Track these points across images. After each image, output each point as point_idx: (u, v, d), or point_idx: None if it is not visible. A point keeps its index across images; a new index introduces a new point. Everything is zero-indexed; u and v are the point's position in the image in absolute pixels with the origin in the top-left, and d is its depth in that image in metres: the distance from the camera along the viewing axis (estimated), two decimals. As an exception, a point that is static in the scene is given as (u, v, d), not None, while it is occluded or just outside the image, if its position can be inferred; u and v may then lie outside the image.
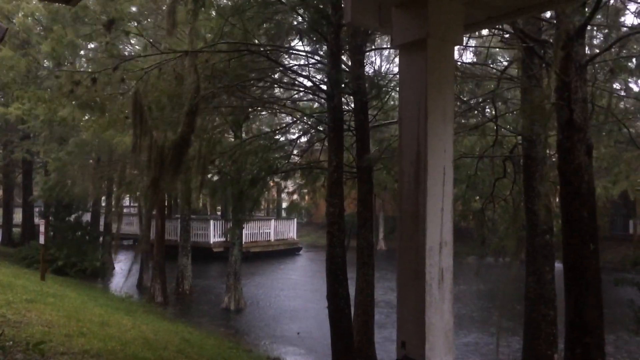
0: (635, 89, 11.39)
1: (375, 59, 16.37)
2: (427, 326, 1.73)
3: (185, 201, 15.50)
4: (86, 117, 12.01)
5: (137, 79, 7.99)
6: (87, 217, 23.26)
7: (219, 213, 28.02)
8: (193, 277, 18.39)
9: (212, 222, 25.26)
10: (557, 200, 8.31)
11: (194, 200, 15.31)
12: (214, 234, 25.07)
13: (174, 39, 8.98)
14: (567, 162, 5.75)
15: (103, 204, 22.70)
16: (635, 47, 9.30)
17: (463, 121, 10.21)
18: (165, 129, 8.52)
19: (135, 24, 12.80)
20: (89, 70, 8.81)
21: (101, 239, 22.52)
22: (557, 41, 5.29)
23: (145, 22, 14.92)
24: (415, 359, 1.74)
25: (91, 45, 14.39)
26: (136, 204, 23.88)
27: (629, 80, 10.71)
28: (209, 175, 11.56)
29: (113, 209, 20.55)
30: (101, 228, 22.96)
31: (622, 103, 10.79)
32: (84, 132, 13.97)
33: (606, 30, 9.01)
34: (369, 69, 15.30)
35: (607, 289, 6.49)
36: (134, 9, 13.44)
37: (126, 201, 26.34)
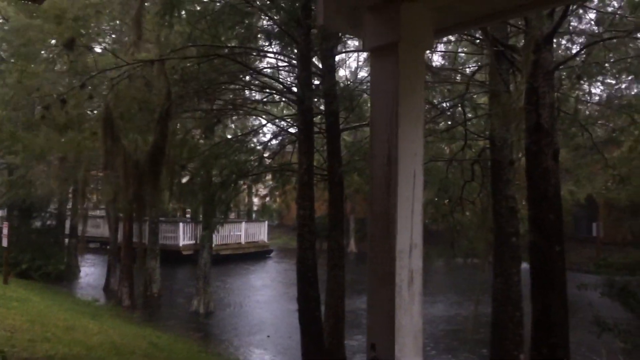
0: (598, 96, 11.70)
1: (347, 62, 16.46)
2: (396, 328, 1.74)
3: (154, 204, 15.29)
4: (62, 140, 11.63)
5: (107, 92, 7.84)
6: (52, 219, 22.73)
7: (188, 216, 27.69)
8: (162, 280, 18.14)
9: (181, 224, 24.96)
10: (524, 203, 8.47)
11: (163, 203, 15.11)
12: (183, 237, 24.76)
13: (142, 46, 8.85)
14: (534, 165, 5.87)
15: (69, 206, 22.20)
16: (600, 54, 9.55)
17: (433, 125, 10.33)
18: (137, 138, 8.38)
19: (100, 38, 12.53)
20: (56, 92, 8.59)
21: (67, 241, 22.02)
22: (528, 47, 5.40)
23: (111, 32, 14.55)
24: (386, 361, 1.74)
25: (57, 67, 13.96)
26: (103, 206, 23.43)
27: (593, 86, 11.02)
28: (181, 179, 11.43)
29: (79, 211, 20.16)
30: (67, 231, 22.44)
31: (586, 109, 11.07)
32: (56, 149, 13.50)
33: (577, 38, 9.23)
34: (341, 72, 15.38)
35: (571, 290, 6.64)
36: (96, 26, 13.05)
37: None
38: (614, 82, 10.78)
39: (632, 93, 11.01)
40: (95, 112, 8.87)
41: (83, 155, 14.68)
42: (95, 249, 27.73)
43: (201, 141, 12.03)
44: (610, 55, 9.11)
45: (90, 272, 21.94)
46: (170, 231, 25.03)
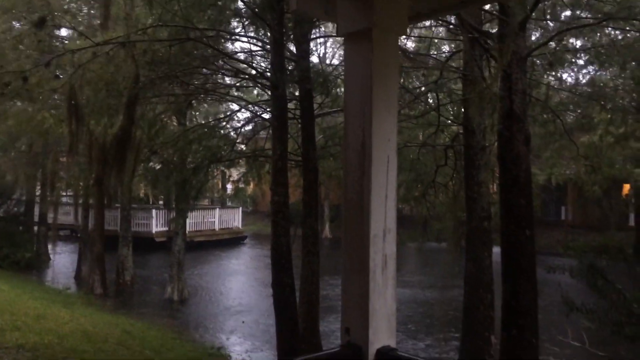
0: (568, 83, 11.90)
1: (320, 48, 16.39)
2: (370, 312, 1.76)
3: (125, 190, 15.08)
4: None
5: (72, 72, 7.62)
6: (20, 206, 22.26)
7: (161, 202, 27.41)
8: (134, 268, 17.95)
9: (154, 211, 24.71)
10: (496, 187, 8.61)
11: (134, 189, 14.92)
12: (156, 224, 24.53)
13: (111, 27, 8.63)
14: (506, 151, 5.95)
15: (38, 193, 21.74)
16: (571, 41, 9.70)
17: (407, 111, 10.38)
18: (104, 120, 8.20)
19: (68, 17, 12.17)
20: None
21: (36, 229, 21.60)
22: (507, 34, 5.44)
23: (78, 12, 14.17)
24: (359, 345, 1.76)
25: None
26: (72, 193, 23.00)
27: (565, 73, 11.19)
28: (151, 164, 11.28)
29: (48, 198, 19.78)
30: (36, 218, 22.00)
31: (558, 96, 11.25)
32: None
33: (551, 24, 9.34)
34: (315, 58, 15.30)
35: (541, 273, 6.79)
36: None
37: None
38: (584, 70, 10.97)
39: (602, 81, 11.22)
40: (57, 93, 8.63)
41: (51, 140, 14.38)
42: (65, 237, 27.29)
43: (172, 127, 11.88)
44: (585, 40, 9.25)
45: (61, 260, 21.60)
46: (143, 218, 24.78)
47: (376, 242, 1.79)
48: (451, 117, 10.84)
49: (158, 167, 11.66)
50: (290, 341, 8.72)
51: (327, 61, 15.42)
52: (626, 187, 23.27)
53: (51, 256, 21.53)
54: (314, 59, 15.39)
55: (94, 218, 16.98)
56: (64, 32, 14.07)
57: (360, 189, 1.79)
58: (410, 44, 11.81)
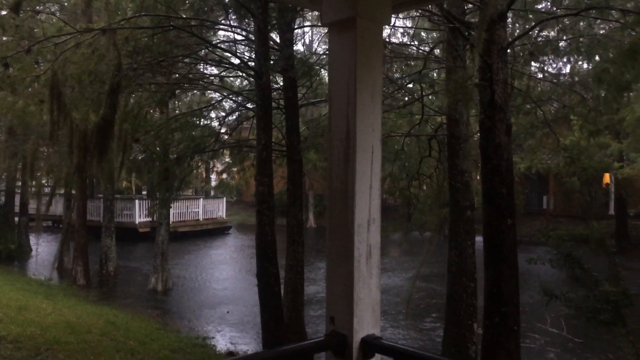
0: (548, 73, 11.97)
1: (305, 37, 16.31)
2: (355, 301, 1.77)
3: (108, 180, 14.94)
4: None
5: (54, 60, 7.50)
6: (0, 197, 21.95)
7: (144, 193, 27.22)
8: (118, 259, 17.85)
9: (137, 201, 24.53)
10: (479, 177, 8.68)
11: (116, 179, 14.77)
12: (140, 214, 24.37)
13: (93, 15, 8.49)
14: (488, 140, 5.99)
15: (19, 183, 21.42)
16: (551, 32, 9.76)
17: (391, 101, 10.40)
18: (87, 108, 8.09)
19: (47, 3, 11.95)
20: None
21: (17, 220, 21.33)
22: (481, 23, 5.46)
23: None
24: (344, 333, 1.77)
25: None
26: (53, 184, 22.71)
27: (546, 64, 11.26)
28: (134, 154, 11.18)
29: (31, 189, 19.51)
30: (17, 209, 21.70)
31: (539, 86, 11.32)
32: None
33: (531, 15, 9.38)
34: (300, 47, 15.23)
35: (523, 262, 6.90)
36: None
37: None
38: (564, 61, 11.05)
39: (582, 72, 11.33)
40: (38, 80, 8.47)
41: (31, 128, 14.16)
42: (47, 227, 26.99)
43: (155, 116, 11.77)
44: (565, 31, 9.31)
45: (43, 251, 21.37)
46: (126, 208, 24.61)
47: (360, 232, 1.80)
48: (435, 108, 10.89)
49: (141, 157, 11.56)
50: (275, 330, 8.75)
51: (312, 50, 15.35)
52: (606, 177, 23.63)
53: (33, 247, 21.29)
54: (299, 47, 15.35)
55: (77, 208, 16.82)
56: (45, 18, 13.81)
57: (345, 178, 1.80)
58: (394, 36, 11.81)
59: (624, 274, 6.95)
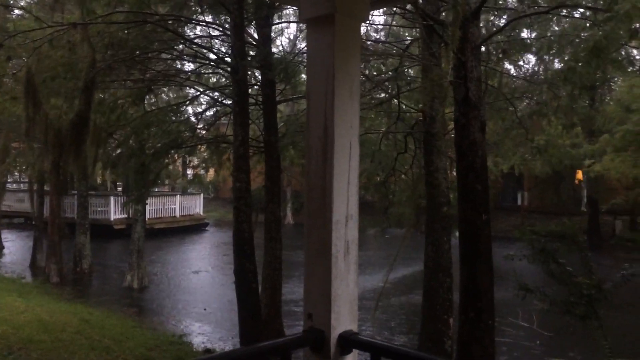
0: (521, 70, 12.15)
1: (283, 33, 16.25)
2: (333, 297, 1.77)
3: (82, 176, 14.71)
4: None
5: (28, 55, 7.34)
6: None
7: (120, 189, 26.85)
8: (93, 256, 17.58)
9: (112, 198, 24.20)
10: (454, 174, 8.76)
11: (90, 175, 14.55)
12: (115, 211, 24.04)
13: (67, 9, 8.33)
14: (463, 138, 6.06)
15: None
16: (524, 31, 9.88)
17: (368, 98, 10.43)
18: (61, 104, 7.95)
19: None
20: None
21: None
22: (455, 20, 5.51)
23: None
24: (322, 330, 1.78)
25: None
26: (27, 180, 22.27)
27: (518, 61, 11.42)
28: (109, 149, 11.02)
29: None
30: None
31: (512, 83, 11.47)
32: None
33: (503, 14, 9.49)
34: (278, 43, 15.18)
35: (498, 257, 7.00)
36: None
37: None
38: (535, 58, 11.22)
39: (554, 68, 11.51)
40: (12, 77, 8.29)
41: (2, 122, 13.85)
42: (20, 225, 26.47)
43: (131, 112, 11.61)
44: (538, 30, 9.45)
45: (15, 249, 20.96)
46: (101, 205, 24.26)
47: (338, 228, 1.80)
48: (411, 105, 10.95)
49: (116, 152, 11.40)
50: (253, 327, 8.73)
51: (294, 46, 15.30)
52: (579, 173, 24.08)
53: (4, 245, 20.86)
54: (279, 43, 15.29)
55: (50, 205, 16.53)
56: (18, 13, 13.50)
57: (323, 174, 1.80)
58: (371, 34, 11.84)
59: (596, 268, 7.09)
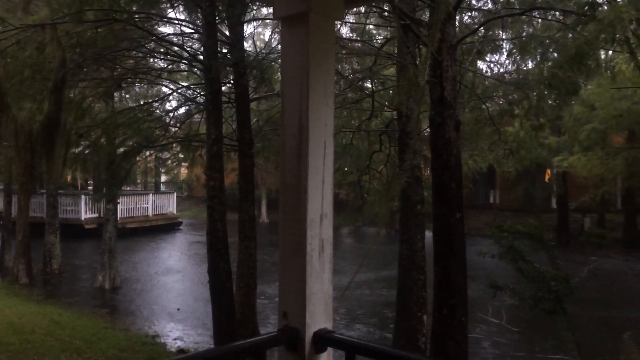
0: (494, 71, 12.32)
1: (256, 30, 16.18)
2: (307, 296, 1.77)
3: (51, 175, 14.41)
4: None
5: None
6: None
7: (90, 188, 26.39)
8: (63, 256, 17.24)
9: (83, 197, 23.78)
10: (429, 172, 8.84)
11: (61, 175, 14.26)
12: (86, 210, 23.64)
13: (32, 8, 8.14)
14: (438, 136, 6.12)
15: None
16: (498, 31, 10.02)
17: (343, 97, 10.46)
18: (31, 106, 7.76)
19: None
20: None
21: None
22: (434, 20, 5.56)
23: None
24: (297, 328, 1.78)
25: None
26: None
27: (492, 62, 11.58)
28: (80, 148, 10.82)
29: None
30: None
31: (486, 83, 11.63)
32: None
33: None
34: (254, 41, 15.09)
35: (472, 255, 7.11)
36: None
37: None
38: (510, 59, 11.38)
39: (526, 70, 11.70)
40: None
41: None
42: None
43: (102, 111, 11.43)
44: (510, 31, 9.59)
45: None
46: (71, 204, 23.82)
47: (313, 226, 1.80)
48: (386, 104, 11.02)
49: (86, 151, 11.21)
50: (227, 327, 8.69)
51: (264, 46, 15.24)
52: (549, 172, 24.55)
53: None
54: (250, 42, 15.21)
55: (18, 205, 16.17)
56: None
57: (298, 173, 1.80)
58: (346, 31, 11.86)
59: (564, 265, 7.26)
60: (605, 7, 5.53)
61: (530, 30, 9.93)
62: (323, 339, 1.79)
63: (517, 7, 8.44)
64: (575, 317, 7.29)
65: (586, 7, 5.38)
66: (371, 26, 11.66)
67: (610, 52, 9.00)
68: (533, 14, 8.53)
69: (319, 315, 1.81)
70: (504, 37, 9.92)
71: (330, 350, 1.82)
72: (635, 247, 20.46)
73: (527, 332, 10.94)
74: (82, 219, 23.50)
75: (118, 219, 18.18)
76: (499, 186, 27.32)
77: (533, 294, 6.89)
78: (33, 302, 12.82)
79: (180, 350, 9.92)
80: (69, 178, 24.65)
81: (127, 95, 15.88)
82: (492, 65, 11.80)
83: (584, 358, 7.25)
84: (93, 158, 10.64)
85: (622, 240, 21.31)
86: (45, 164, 7.38)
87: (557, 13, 7.91)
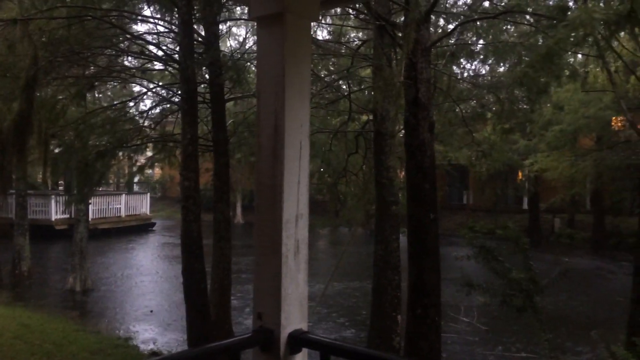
0: (467, 74, 12.49)
1: (232, 31, 16.08)
2: (282, 296, 1.77)
3: (21, 176, 14.11)
4: None
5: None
6: None
7: (61, 188, 25.89)
8: (32, 258, 16.89)
9: (53, 197, 23.32)
10: (403, 173, 8.90)
11: (32, 174, 13.98)
12: (56, 211, 23.19)
13: (3, 5, 7.96)
14: (412, 138, 6.17)
15: None
16: (473, 36, 10.16)
17: (319, 99, 10.48)
18: (0, 105, 7.58)
19: None
20: None
21: None
22: (409, 23, 5.60)
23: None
24: (271, 329, 1.78)
25: None
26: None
27: (465, 64, 11.73)
28: (50, 148, 10.61)
29: None
30: None
31: (459, 85, 11.78)
32: None
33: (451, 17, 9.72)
34: (231, 41, 15.01)
35: (446, 254, 7.18)
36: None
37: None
38: (483, 62, 11.56)
39: (499, 73, 11.89)
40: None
41: None
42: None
43: (73, 110, 11.23)
44: (484, 35, 9.73)
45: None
46: (41, 205, 23.34)
47: (288, 227, 1.80)
48: (362, 105, 11.07)
49: (57, 150, 11.00)
50: (202, 328, 8.61)
51: (240, 46, 15.16)
52: (521, 173, 24.96)
53: None
54: (227, 42, 15.11)
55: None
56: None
57: (273, 174, 1.80)
58: (323, 33, 11.90)
59: (535, 265, 7.40)
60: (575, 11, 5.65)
61: (504, 35, 10.09)
62: (298, 340, 1.79)
63: (491, 13, 8.57)
64: (545, 315, 7.43)
65: (556, 11, 5.50)
66: (348, 28, 11.70)
67: (580, 56, 9.20)
68: (507, 19, 8.66)
69: (294, 316, 1.81)
70: (477, 41, 10.05)
71: (305, 351, 1.82)
72: (603, 247, 20.94)
73: (499, 330, 11.11)
74: (53, 219, 23.06)
75: (90, 219, 17.89)
76: (472, 187, 27.67)
77: (503, 291, 7.02)
78: (1, 305, 12.53)
79: (153, 353, 9.81)
80: (39, 178, 24.15)
81: (101, 95, 15.64)
82: (466, 68, 11.96)
83: (553, 355, 7.39)
84: (64, 159, 10.44)
85: (591, 240, 21.79)
86: (17, 163, 7.21)
87: (530, 17, 8.05)
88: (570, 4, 7.13)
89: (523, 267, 7.14)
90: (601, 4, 6.17)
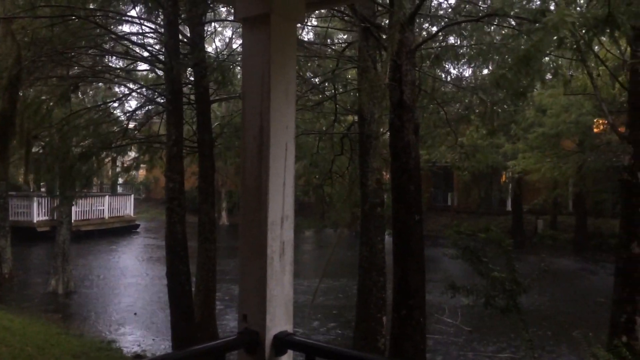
0: (451, 76, 12.56)
1: (217, 32, 16.03)
2: (268, 298, 1.77)
3: (2, 176, 13.92)
4: None
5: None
6: None
7: (43, 189, 25.58)
8: (14, 260, 16.65)
9: (35, 199, 23.02)
10: (389, 175, 8.93)
11: (14, 176, 13.80)
12: (38, 212, 22.89)
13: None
14: (397, 139, 6.20)
15: None
16: (457, 39, 10.22)
17: (304, 101, 10.48)
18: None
19: None
20: None
21: None
22: (394, 25, 5.63)
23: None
24: (257, 331, 1.77)
25: None
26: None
27: (450, 67, 11.80)
28: (33, 149, 10.49)
29: None
30: None
31: (444, 88, 11.85)
32: None
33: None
34: (217, 42, 14.95)
35: (431, 255, 7.21)
36: None
37: None
38: (465, 64, 11.64)
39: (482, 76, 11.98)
40: None
41: None
42: None
43: (57, 110, 11.11)
44: (468, 38, 9.81)
45: None
46: (22, 206, 23.03)
47: (274, 229, 1.80)
48: (347, 107, 11.09)
49: (40, 151, 10.88)
50: (186, 330, 8.56)
51: (225, 47, 15.11)
52: (505, 175, 25.19)
53: None
54: (213, 43, 15.06)
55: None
56: None
57: (259, 175, 1.79)
58: (308, 35, 11.90)
59: (519, 266, 7.47)
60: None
61: (488, 38, 10.17)
62: (283, 342, 1.78)
63: (474, 16, 8.63)
64: (528, 315, 7.51)
65: (537, 14, 5.55)
66: (333, 30, 11.72)
67: (562, 60, 9.29)
68: (490, 22, 8.74)
69: (279, 318, 1.81)
70: (461, 44, 10.12)
71: (290, 352, 1.82)
72: (585, 248, 21.19)
73: (483, 331, 11.20)
74: (35, 221, 22.77)
75: (72, 221, 17.69)
76: (457, 189, 27.85)
77: (487, 292, 7.07)
78: (-18, 308, 12.33)
79: (137, 356, 9.72)
80: (21, 179, 23.84)
81: (84, 96, 15.48)
82: (450, 71, 12.03)
83: (536, 355, 7.46)
84: (47, 160, 10.32)
85: (574, 241, 22.04)
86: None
87: (512, 21, 8.13)
88: (552, 7, 7.20)
89: (506, 268, 7.20)
90: (578, 9, 6.25)
